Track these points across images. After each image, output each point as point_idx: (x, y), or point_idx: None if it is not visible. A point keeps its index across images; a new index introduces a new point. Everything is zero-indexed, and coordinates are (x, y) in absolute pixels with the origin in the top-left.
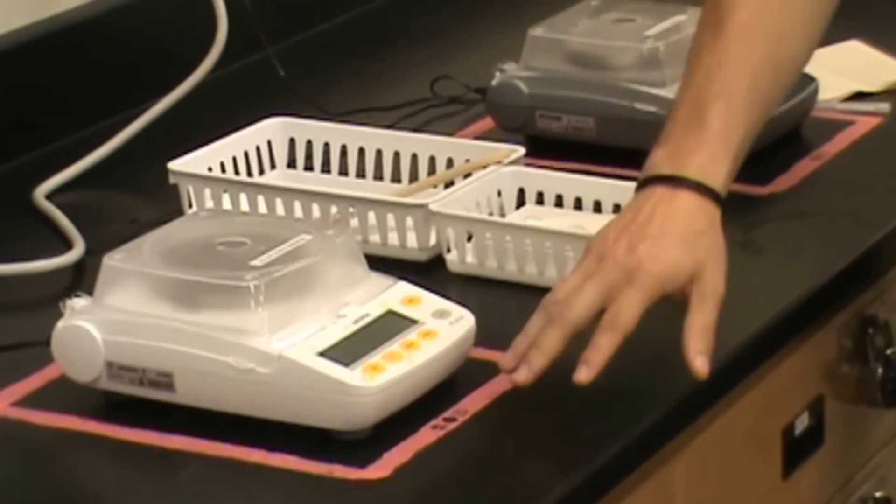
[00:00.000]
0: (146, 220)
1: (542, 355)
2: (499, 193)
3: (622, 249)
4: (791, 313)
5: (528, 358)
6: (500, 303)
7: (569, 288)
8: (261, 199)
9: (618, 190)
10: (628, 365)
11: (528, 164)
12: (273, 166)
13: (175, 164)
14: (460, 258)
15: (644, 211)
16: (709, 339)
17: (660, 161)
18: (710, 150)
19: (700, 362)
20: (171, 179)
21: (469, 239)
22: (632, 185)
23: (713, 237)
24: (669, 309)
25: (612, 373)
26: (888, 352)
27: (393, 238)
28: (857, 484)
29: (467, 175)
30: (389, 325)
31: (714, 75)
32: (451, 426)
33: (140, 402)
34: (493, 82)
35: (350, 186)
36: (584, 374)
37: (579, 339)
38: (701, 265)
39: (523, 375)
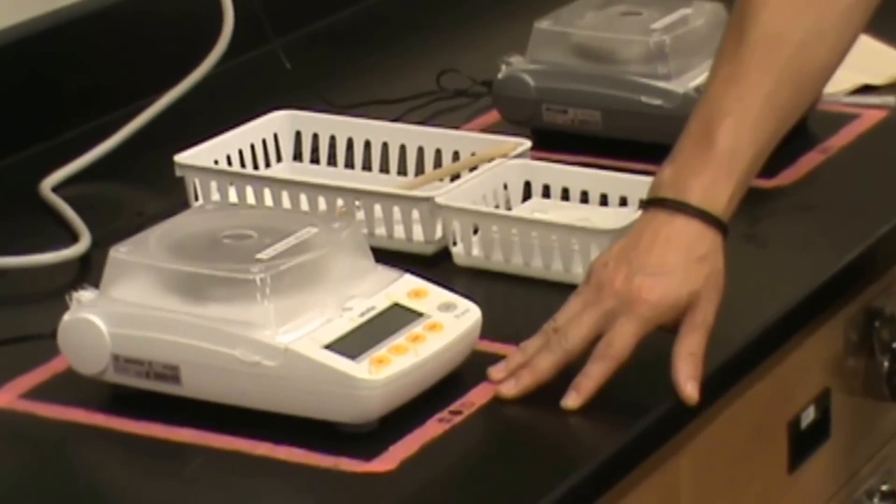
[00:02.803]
0: (152, 212)
1: (532, 377)
2: (505, 186)
3: (621, 279)
4: (797, 306)
5: (518, 375)
6: (506, 296)
7: (568, 315)
8: (267, 192)
9: (624, 183)
10: (635, 358)
11: (534, 158)
12: (279, 159)
13: (181, 157)
14: (466, 251)
15: (644, 238)
16: (697, 366)
17: (665, 181)
18: (714, 171)
19: (690, 387)
20: (178, 172)
21: (475, 232)
22: (637, 178)
23: (712, 264)
24: None
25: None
26: (894, 345)
27: (399, 231)
28: (864, 477)
29: (473, 168)
30: (395, 318)
31: (729, 89)
32: (458, 419)
33: (146, 395)
34: (500, 75)
35: (356, 179)
36: (572, 400)
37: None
38: (696, 295)
39: (508, 388)
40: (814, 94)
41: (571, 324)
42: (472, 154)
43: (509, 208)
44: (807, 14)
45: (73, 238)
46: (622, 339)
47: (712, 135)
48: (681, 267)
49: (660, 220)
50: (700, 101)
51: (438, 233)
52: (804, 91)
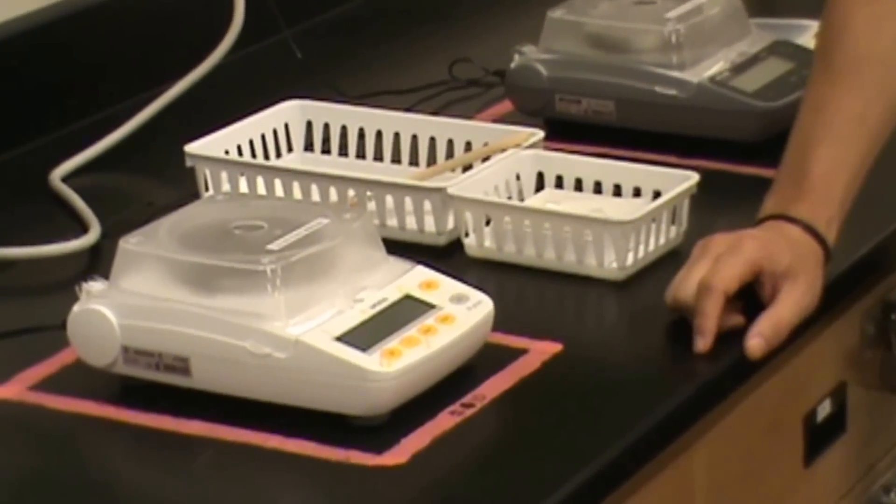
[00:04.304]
0: (162, 203)
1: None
2: (517, 177)
3: (725, 234)
4: None
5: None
6: (519, 287)
7: (679, 277)
8: (278, 183)
9: (637, 173)
10: (649, 351)
11: (547, 148)
12: (290, 149)
13: (192, 147)
14: (478, 242)
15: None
16: (777, 331)
17: (768, 207)
18: (812, 197)
19: (755, 342)
20: (188, 162)
21: (487, 223)
22: (651, 168)
23: (814, 266)
24: None
25: (633, 359)
26: None
27: (411, 222)
28: (880, 472)
29: (486, 158)
30: (407, 310)
31: (818, 116)
32: (469, 412)
33: (156, 387)
34: (512, 65)
35: (367, 170)
36: (700, 343)
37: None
38: (798, 268)
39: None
40: None
41: (683, 278)
42: (485, 144)
43: (522, 199)
44: (887, 31)
45: (83, 228)
46: (726, 270)
47: (806, 164)
48: (786, 242)
49: (767, 224)
50: (793, 131)
51: (450, 224)
52: (894, 106)
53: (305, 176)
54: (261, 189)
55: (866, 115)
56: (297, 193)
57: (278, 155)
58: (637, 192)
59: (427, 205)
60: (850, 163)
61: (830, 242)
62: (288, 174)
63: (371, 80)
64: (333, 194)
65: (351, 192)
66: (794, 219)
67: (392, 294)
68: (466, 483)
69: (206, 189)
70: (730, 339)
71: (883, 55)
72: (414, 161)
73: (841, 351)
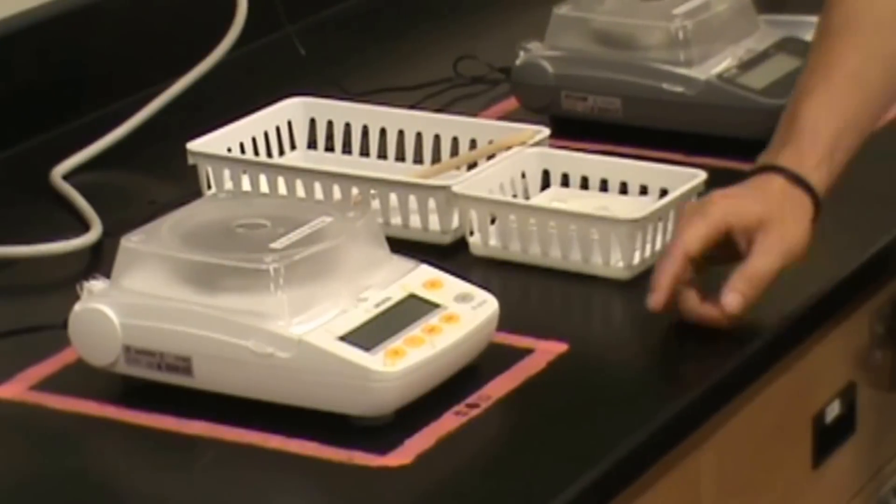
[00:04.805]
0: (164, 201)
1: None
2: (523, 175)
3: (701, 197)
4: (822, 299)
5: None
6: (524, 286)
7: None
8: (281, 181)
9: (644, 171)
10: (656, 351)
11: (552, 146)
12: (293, 147)
13: (194, 145)
14: (483, 241)
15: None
16: (752, 284)
17: (757, 161)
18: (798, 143)
19: (732, 297)
20: (190, 160)
21: (492, 221)
22: (657, 166)
23: (791, 213)
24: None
25: (640, 359)
26: None
27: (415, 220)
28: (889, 473)
29: (491, 156)
30: (411, 309)
31: (815, 70)
32: (474, 412)
33: (158, 387)
34: (518, 62)
35: (371, 167)
36: (651, 300)
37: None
38: (770, 216)
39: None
40: None
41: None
42: (490, 142)
43: (527, 197)
44: None
45: (85, 227)
46: (689, 231)
47: (796, 111)
48: (761, 195)
49: (751, 178)
50: (793, 90)
51: (455, 222)
52: (894, 68)
53: (309, 174)
54: (263, 187)
55: (861, 72)
56: (300, 191)
57: (281, 153)
58: (643, 191)
59: (431, 203)
60: (842, 111)
61: (818, 187)
62: (291, 172)
63: (375, 77)
64: (337, 192)
65: (354, 191)
66: (779, 168)
67: (396, 293)
68: (471, 484)
69: (209, 187)
70: (737, 339)
71: (878, 19)
72: (418, 159)
73: (850, 351)
